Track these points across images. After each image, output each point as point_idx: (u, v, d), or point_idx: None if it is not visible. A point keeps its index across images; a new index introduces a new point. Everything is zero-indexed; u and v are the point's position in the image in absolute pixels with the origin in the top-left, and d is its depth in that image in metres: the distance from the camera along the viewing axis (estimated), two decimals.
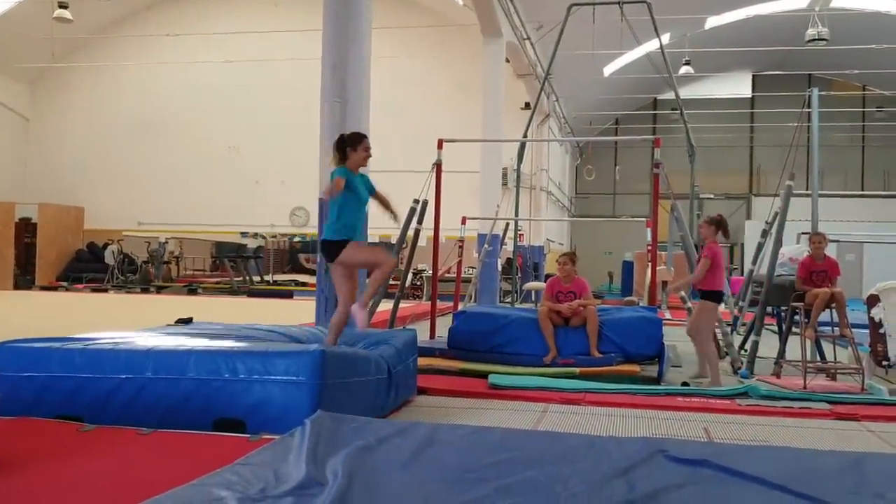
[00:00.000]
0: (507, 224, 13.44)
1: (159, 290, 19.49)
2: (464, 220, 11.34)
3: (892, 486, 2.98)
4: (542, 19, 15.42)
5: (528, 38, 15.80)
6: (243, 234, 22.78)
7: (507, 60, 15.84)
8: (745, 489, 2.93)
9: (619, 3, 11.05)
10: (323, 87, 6.90)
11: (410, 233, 8.88)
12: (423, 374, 6.61)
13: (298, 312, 10.41)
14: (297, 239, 23.32)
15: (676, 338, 10.71)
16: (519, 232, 18.53)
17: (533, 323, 7.56)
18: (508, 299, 15.12)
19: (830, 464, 3.29)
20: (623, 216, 23.82)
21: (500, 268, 14.43)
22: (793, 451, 3.73)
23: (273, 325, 6.26)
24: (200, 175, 23.07)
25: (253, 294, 18.23)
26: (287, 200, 22.18)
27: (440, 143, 8.45)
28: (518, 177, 13.02)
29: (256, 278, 21.07)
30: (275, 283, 20.87)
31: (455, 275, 11.31)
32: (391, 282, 9.50)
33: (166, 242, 21.75)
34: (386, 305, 9.47)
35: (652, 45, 12.00)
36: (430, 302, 9.37)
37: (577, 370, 7.04)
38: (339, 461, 3.04)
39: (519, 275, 16.85)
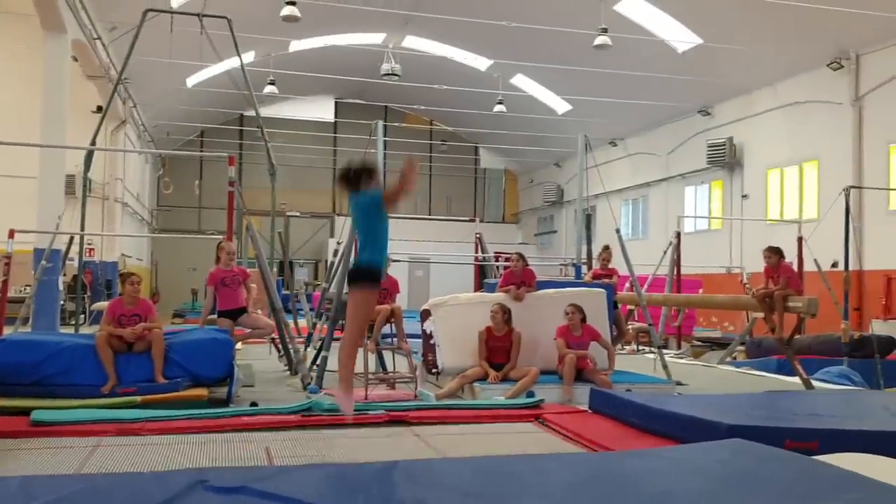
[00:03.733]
0: (72, 238, 12.13)
1: None
2: (11, 234, 10.02)
3: (411, 488, 3.20)
4: (116, 20, 14.35)
5: (100, 38, 14.55)
6: None
7: (76, 59, 14.43)
8: None
9: (198, 15, 10.70)
10: None
11: None
12: None
13: None
14: None
15: (253, 356, 10.70)
16: (89, 246, 16.93)
17: (90, 350, 6.89)
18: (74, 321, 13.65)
19: (364, 475, 3.45)
20: (209, 231, 23.26)
21: (62, 287, 12.96)
22: (331, 467, 3.84)
23: None
24: None
25: None
26: None
27: None
28: (85, 186, 11.81)
29: None
30: None
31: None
32: None
33: None
34: None
35: (236, 61, 11.86)
36: None
37: (138, 398, 6.57)
38: None
39: (88, 294, 15.38)
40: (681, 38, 17.76)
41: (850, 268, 11.93)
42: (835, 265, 13.50)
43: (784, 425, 4.55)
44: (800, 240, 14.10)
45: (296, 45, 21.89)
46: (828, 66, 16.28)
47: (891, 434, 4.45)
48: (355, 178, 4.98)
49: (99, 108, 16.23)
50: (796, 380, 9.03)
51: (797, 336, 10.26)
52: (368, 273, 5.02)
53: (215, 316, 8.52)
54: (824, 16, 14.08)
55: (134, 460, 4.81)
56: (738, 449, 3.72)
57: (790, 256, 11.66)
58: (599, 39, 16.05)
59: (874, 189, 14.94)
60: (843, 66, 16.10)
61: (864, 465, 3.30)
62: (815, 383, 8.96)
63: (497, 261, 16.49)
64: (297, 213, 23.71)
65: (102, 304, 13.22)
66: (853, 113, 16.02)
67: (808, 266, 13.63)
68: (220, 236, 9.41)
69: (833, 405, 5.80)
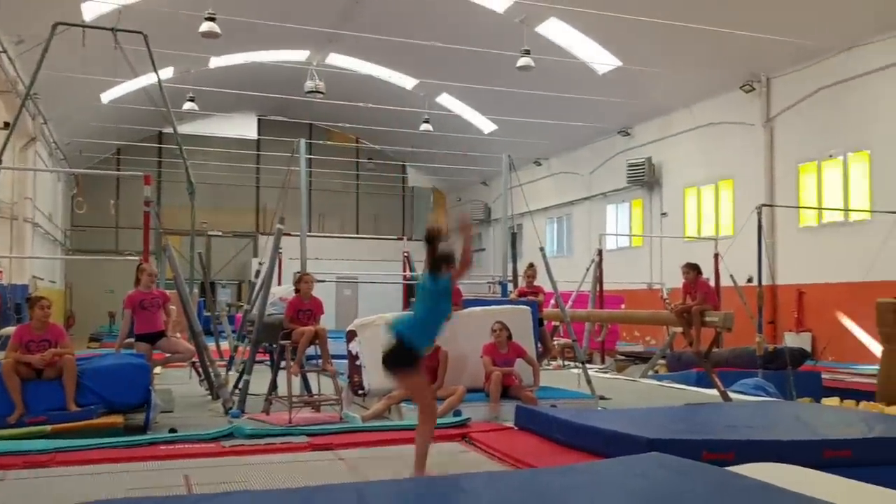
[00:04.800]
0: None
1: None
2: None
3: None
4: (23, 33, 13.83)
5: (6, 52, 14.00)
6: None
7: None
8: None
9: (112, 29, 10.38)
10: None
11: None
12: None
13: None
14: None
15: (174, 380, 10.39)
16: None
17: None
18: None
19: (285, 502, 3.36)
20: (127, 252, 22.54)
21: None
22: (251, 494, 3.74)
23: None
24: None
25: None
26: None
27: None
28: None
29: None
30: None
31: None
32: None
33: None
34: None
35: (153, 77, 11.55)
36: None
37: (48, 427, 6.30)
38: None
39: None
40: (601, 60, 18.21)
41: (764, 283, 12.37)
42: (750, 280, 13.97)
43: (702, 437, 4.67)
44: (716, 256, 14.58)
45: (216, 62, 21.55)
46: (740, 88, 16.94)
47: (801, 443, 4.62)
48: (438, 261, 4.76)
49: (6, 125, 15.59)
50: (715, 392, 9.29)
51: (715, 349, 10.59)
52: (407, 355, 4.70)
53: (133, 340, 8.27)
54: (737, 40, 14.65)
55: (42, 496, 4.60)
56: (656, 462, 3.79)
57: (707, 272, 12.03)
58: (522, 61, 16.32)
59: (785, 207, 15.57)
60: (754, 89, 16.79)
61: (776, 475, 3.40)
62: (732, 395, 9.23)
63: None
64: (219, 233, 23.23)
65: (10, 330, 12.64)
66: (765, 134, 16.70)
67: (725, 281, 14.08)
68: (138, 257, 9.14)
69: (748, 416, 5.98)
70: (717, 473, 3.48)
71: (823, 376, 12.17)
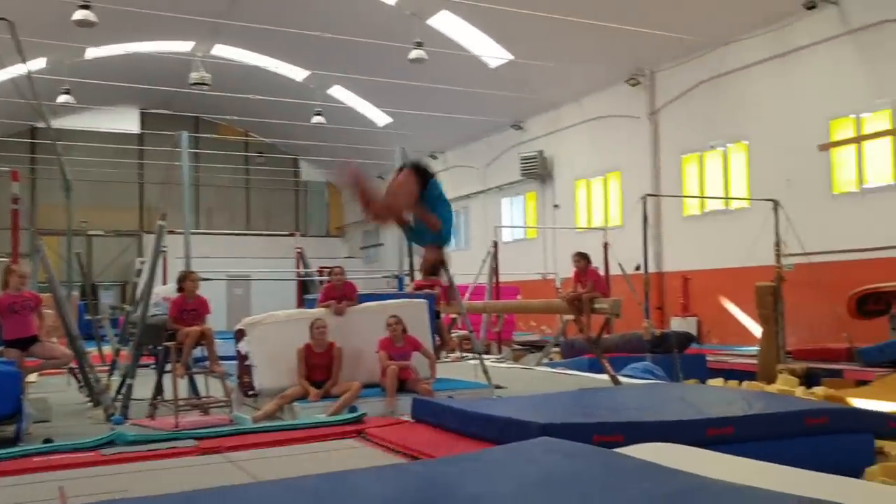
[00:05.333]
0: None
1: None
2: None
3: None
4: None
5: None
6: None
7: None
8: None
9: None
10: None
11: None
12: None
13: None
14: None
15: (51, 389, 9.85)
16: None
17: None
18: None
19: None
20: None
21: None
22: (130, 502, 3.54)
23: None
24: None
25: None
26: None
27: None
28: None
29: None
30: None
31: None
32: None
33: None
34: None
35: (22, 68, 10.85)
36: None
37: None
38: None
39: None
40: (492, 53, 18.37)
41: (651, 270, 12.80)
42: (638, 268, 14.42)
43: (592, 421, 4.75)
44: (605, 245, 14.97)
45: (93, 52, 20.49)
46: (626, 82, 17.46)
47: (686, 423, 4.77)
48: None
49: None
50: (606, 377, 9.52)
51: (605, 335, 10.84)
52: (423, 168, 5.01)
53: (2, 347, 7.72)
54: (622, 35, 15.07)
55: None
56: (547, 447, 3.81)
57: (597, 261, 12.33)
58: (414, 53, 16.27)
59: (669, 196, 16.15)
60: (639, 83, 17.33)
61: (661, 454, 3.48)
62: (622, 379, 9.47)
63: (321, 275, 16.22)
64: (101, 232, 22.14)
65: None
66: (650, 126, 17.27)
67: (614, 270, 14.48)
68: (7, 259, 8.56)
69: (637, 399, 6.14)
70: (605, 455, 3.53)
71: (708, 358, 12.69)
